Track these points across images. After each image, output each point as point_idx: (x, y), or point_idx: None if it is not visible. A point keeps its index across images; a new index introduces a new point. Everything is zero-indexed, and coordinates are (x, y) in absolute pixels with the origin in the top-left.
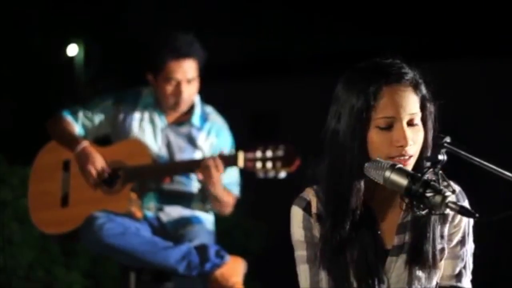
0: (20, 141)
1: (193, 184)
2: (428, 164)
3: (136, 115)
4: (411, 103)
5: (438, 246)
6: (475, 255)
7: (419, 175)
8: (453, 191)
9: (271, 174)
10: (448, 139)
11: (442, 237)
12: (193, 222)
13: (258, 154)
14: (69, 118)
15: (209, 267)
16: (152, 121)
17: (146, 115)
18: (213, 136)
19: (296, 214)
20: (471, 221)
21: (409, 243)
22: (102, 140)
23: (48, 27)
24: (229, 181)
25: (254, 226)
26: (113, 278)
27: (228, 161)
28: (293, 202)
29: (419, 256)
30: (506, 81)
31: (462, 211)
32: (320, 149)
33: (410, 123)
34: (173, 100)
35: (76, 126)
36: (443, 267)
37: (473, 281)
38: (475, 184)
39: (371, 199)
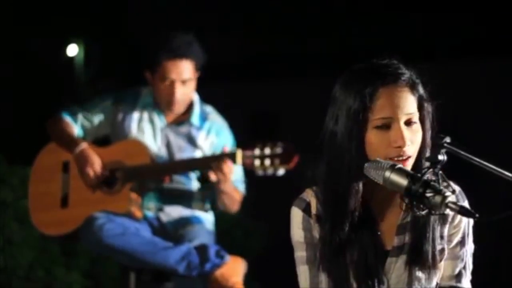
0: (20, 141)
1: (193, 184)
2: (428, 164)
3: (135, 115)
4: (408, 103)
5: (438, 247)
6: (475, 255)
7: (419, 175)
8: (453, 191)
9: (270, 171)
10: (448, 139)
11: (442, 237)
12: (193, 222)
13: (257, 151)
14: (68, 119)
15: (209, 267)
16: (151, 121)
17: (146, 115)
18: (213, 135)
19: (296, 215)
20: (471, 221)
21: (409, 244)
22: (102, 140)
23: (48, 27)
24: (234, 179)
25: (254, 226)
26: (113, 278)
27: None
28: (293, 203)
29: (419, 256)
30: (506, 81)
31: (462, 211)
32: (319, 149)
33: (408, 124)
34: (166, 99)
35: (75, 127)
36: (443, 268)
37: (473, 281)
38: (475, 184)
39: (370, 200)
